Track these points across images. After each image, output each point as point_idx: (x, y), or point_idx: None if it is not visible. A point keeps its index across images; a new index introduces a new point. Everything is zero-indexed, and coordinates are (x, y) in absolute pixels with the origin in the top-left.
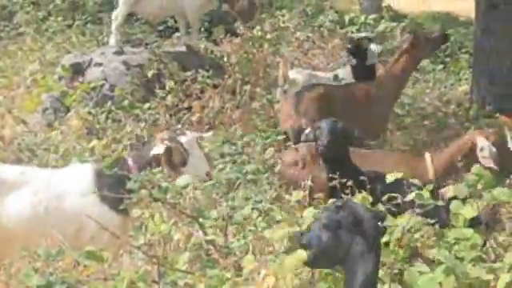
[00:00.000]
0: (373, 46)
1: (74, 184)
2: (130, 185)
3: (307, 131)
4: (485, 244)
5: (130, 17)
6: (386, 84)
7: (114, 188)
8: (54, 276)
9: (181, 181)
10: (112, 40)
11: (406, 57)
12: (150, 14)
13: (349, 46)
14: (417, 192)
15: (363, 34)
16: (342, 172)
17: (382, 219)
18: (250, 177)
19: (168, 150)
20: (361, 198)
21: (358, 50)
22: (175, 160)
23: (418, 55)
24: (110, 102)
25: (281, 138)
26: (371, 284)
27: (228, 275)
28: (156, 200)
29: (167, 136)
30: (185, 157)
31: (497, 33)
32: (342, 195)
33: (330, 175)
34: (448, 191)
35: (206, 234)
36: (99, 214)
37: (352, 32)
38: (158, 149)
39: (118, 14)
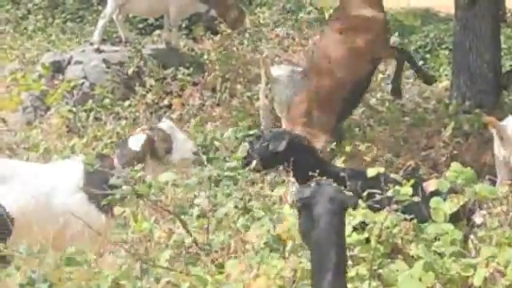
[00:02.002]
0: None
1: (63, 181)
2: (112, 181)
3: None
4: (466, 239)
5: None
6: None
7: (102, 186)
8: (36, 274)
9: (163, 177)
10: (96, 37)
11: None
12: (139, 13)
13: None
14: (394, 188)
15: None
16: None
17: (346, 208)
18: (227, 173)
19: (149, 141)
20: None
21: None
22: (160, 149)
23: None
24: (90, 101)
25: (252, 132)
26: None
27: (210, 273)
28: (139, 196)
29: (145, 127)
30: (169, 143)
31: (476, 29)
32: None
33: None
34: (430, 185)
35: (187, 231)
36: (86, 212)
37: None
38: (137, 141)
39: (106, 13)
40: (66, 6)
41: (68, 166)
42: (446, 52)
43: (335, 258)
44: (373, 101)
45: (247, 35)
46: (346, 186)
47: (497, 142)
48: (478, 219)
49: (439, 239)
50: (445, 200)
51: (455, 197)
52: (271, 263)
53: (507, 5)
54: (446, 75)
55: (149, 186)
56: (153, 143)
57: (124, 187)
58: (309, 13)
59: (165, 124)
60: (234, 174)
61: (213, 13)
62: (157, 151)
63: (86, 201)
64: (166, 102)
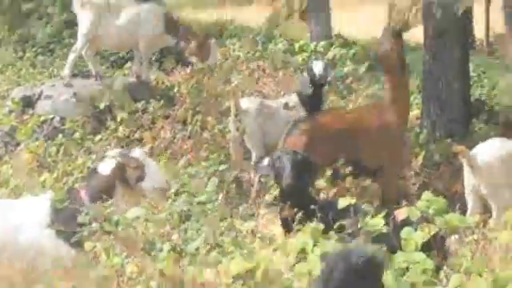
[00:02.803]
0: (315, 63)
1: (30, 217)
2: (81, 218)
3: (265, 163)
4: (438, 269)
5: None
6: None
7: (69, 221)
8: None
9: (132, 213)
10: (66, 71)
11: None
12: (109, 47)
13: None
14: (362, 218)
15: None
16: (299, 203)
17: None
18: (198, 209)
19: (120, 167)
20: (311, 228)
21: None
22: (132, 176)
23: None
24: (60, 135)
25: (223, 167)
26: None
27: None
28: (107, 233)
29: (117, 152)
30: (142, 171)
31: (445, 59)
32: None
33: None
34: (400, 213)
35: (157, 269)
36: (55, 248)
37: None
38: (107, 165)
39: (76, 47)
40: (37, 40)
41: (35, 203)
42: (417, 81)
43: None
44: None
45: (218, 67)
46: (316, 217)
47: (467, 171)
48: (451, 246)
49: (410, 269)
50: (416, 230)
51: (426, 226)
52: None
53: (476, 34)
54: (417, 104)
55: (116, 224)
56: (124, 170)
57: (93, 224)
58: (287, 52)
59: (137, 152)
60: (203, 209)
61: (182, 45)
62: (128, 179)
63: (55, 236)
64: (137, 135)
